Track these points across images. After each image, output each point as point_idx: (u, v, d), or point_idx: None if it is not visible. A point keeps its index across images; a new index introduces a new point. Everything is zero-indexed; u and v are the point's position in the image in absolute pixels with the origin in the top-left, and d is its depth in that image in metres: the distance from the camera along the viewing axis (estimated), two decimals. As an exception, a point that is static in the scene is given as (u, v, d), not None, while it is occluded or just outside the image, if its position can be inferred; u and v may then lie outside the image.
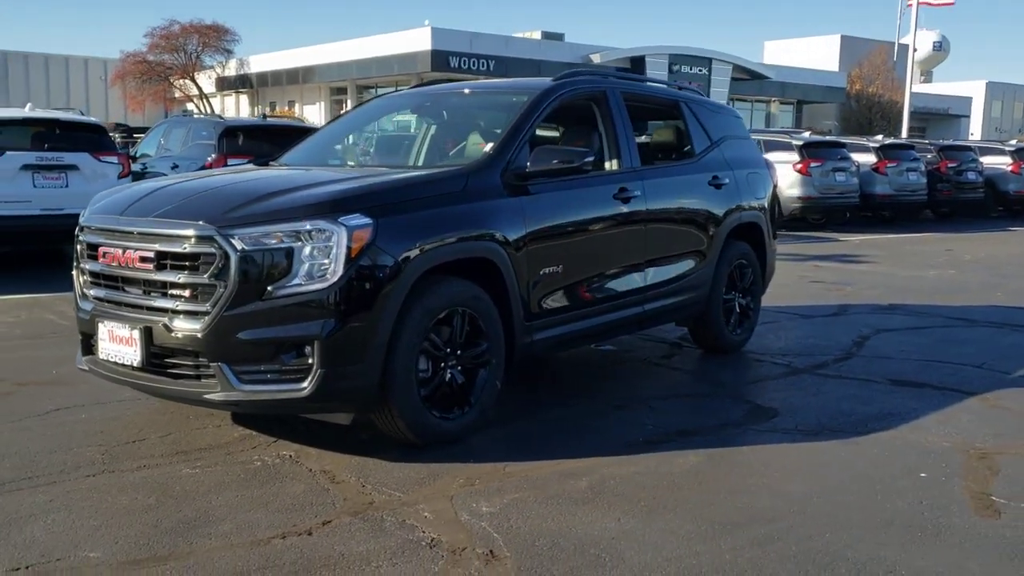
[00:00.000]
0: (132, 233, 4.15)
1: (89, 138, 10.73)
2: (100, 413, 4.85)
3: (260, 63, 47.19)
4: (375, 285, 3.97)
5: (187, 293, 3.97)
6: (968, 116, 61.06)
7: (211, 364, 3.93)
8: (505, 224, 4.54)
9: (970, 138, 48.00)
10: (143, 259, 4.07)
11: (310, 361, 3.88)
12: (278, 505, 3.62)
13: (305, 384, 3.88)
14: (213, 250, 3.89)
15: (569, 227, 4.94)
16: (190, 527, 3.41)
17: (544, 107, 5.06)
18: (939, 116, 57.73)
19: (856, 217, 19.26)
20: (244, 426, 4.60)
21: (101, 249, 4.28)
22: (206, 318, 3.90)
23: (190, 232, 3.95)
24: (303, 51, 44.54)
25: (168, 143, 12.74)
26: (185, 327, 3.95)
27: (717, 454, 4.28)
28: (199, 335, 3.91)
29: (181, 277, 3.97)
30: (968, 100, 61.55)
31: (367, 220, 3.96)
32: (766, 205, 6.79)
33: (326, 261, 3.88)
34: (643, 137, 6.49)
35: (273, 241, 3.89)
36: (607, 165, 5.49)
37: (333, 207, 3.96)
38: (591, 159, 4.82)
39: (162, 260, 4.03)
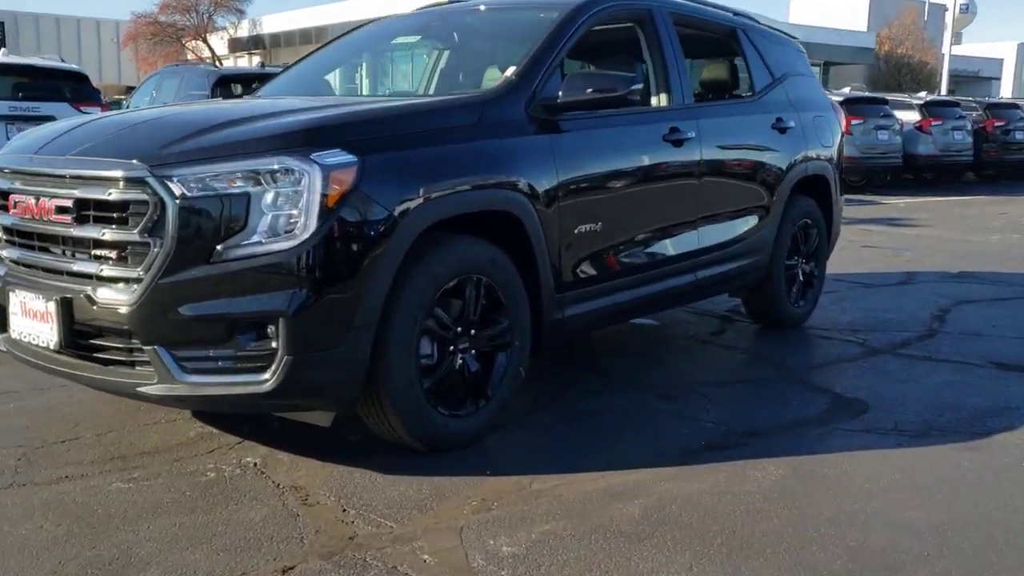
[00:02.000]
0: (47, 176, 3.20)
1: (70, 87, 9.83)
2: (34, 403, 3.95)
3: (273, 23, 46.12)
4: (361, 244, 3.01)
5: (114, 254, 3.02)
6: (999, 78, 59.24)
7: (145, 348, 2.99)
8: (531, 168, 3.56)
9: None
10: (60, 209, 3.12)
11: (273, 345, 2.93)
12: (227, 540, 2.68)
13: (267, 375, 2.93)
14: (145, 197, 2.93)
15: (610, 174, 3.95)
16: (102, 573, 2.48)
17: (578, 25, 4.03)
18: (969, 78, 55.96)
19: (896, 179, 18.08)
20: (204, 422, 3.67)
21: (12, 197, 3.32)
22: (137, 287, 2.95)
23: (116, 173, 2.99)
24: (316, 10, 43.40)
25: (161, 95, 11.75)
26: (111, 298, 3.00)
27: (803, 465, 3.32)
28: (128, 309, 2.96)
29: (106, 233, 3.02)
30: (999, 62, 59.67)
31: (349, 158, 2.99)
32: (834, 155, 5.77)
33: (295, 212, 2.92)
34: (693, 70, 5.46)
35: (223, 184, 2.92)
36: (654, 101, 4.49)
37: (305, 139, 2.99)
38: (639, 86, 3.81)
39: (83, 211, 3.07)
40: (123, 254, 3.01)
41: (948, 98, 21.65)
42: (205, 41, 44.55)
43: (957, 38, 63.78)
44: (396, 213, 3.07)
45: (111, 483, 3.10)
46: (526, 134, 3.61)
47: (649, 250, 4.27)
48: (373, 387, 3.13)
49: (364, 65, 5.12)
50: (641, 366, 4.70)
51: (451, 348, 3.36)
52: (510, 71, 3.78)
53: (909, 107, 17.98)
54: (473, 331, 3.42)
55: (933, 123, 17.59)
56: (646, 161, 4.17)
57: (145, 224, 2.93)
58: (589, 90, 3.71)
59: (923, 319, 5.88)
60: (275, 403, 3.08)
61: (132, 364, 3.08)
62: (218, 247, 2.91)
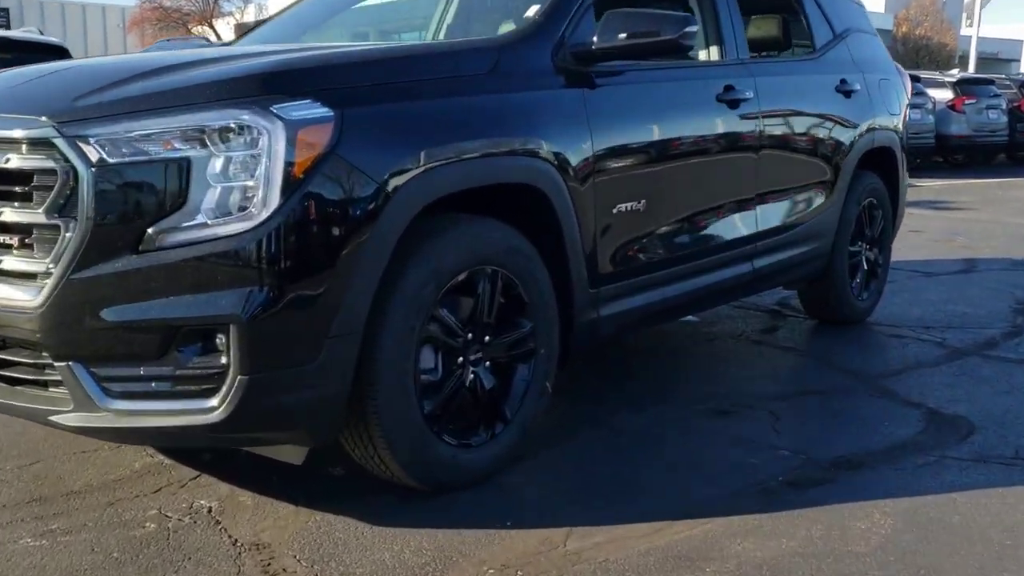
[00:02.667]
0: (-67, 140, 2.48)
1: (49, 62, 9.06)
2: (-42, 421, 3.23)
3: (279, 6, 45.39)
4: (340, 227, 2.27)
5: (15, 241, 2.30)
6: (1019, 60, 58.08)
7: (57, 364, 2.27)
8: (559, 131, 2.82)
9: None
10: (-52, 183, 2.40)
11: (224, 360, 2.20)
12: (154, 631, 1.97)
13: (215, 401, 2.21)
14: (52, 164, 2.21)
15: (657, 140, 3.21)
16: None
17: (615, -42, 3.29)
18: (989, 60, 54.78)
19: (927, 161, 17.19)
20: (156, 449, 2.95)
21: None
22: (45, 284, 2.23)
23: (14, 133, 2.26)
24: (324, -7, 42.60)
25: (151, 73, 11.03)
26: (12, 299, 2.28)
27: (916, 511, 2.57)
28: (34, 313, 2.24)
29: (4, 213, 2.29)
30: (1019, 44, 58.46)
31: (324, 111, 2.25)
32: (900, 124, 4.99)
33: (250, 183, 2.19)
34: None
35: (156, 147, 2.19)
36: (703, 55, 3.74)
37: (263, 86, 2.26)
38: (694, 28, 3.04)
39: (-25, 184, 2.36)
40: (27, 241, 2.28)
41: (982, 75, 20.69)
42: (211, 26, 43.89)
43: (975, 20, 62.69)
44: (386, 186, 2.34)
45: (20, 538, 2.39)
46: (552, 87, 2.87)
47: (701, 234, 3.53)
48: (359, 413, 2.41)
49: (355, 13, 4.34)
50: (686, 372, 3.96)
51: (460, 360, 2.63)
52: (533, 10, 3.03)
53: (941, 85, 17.08)
54: (487, 337, 2.69)
55: (966, 102, 16.68)
56: (698, 124, 3.43)
57: (53, 200, 2.21)
58: (625, 35, 2.95)
59: (1003, 313, 5.12)
60: (227, 436, 2.34)
61: (44, 385, 2.36)
62: (149, 231, 2.18)
